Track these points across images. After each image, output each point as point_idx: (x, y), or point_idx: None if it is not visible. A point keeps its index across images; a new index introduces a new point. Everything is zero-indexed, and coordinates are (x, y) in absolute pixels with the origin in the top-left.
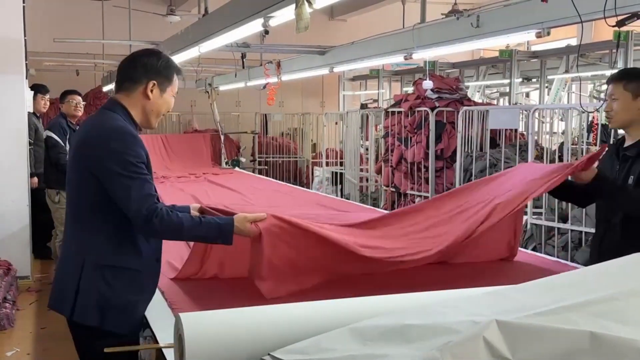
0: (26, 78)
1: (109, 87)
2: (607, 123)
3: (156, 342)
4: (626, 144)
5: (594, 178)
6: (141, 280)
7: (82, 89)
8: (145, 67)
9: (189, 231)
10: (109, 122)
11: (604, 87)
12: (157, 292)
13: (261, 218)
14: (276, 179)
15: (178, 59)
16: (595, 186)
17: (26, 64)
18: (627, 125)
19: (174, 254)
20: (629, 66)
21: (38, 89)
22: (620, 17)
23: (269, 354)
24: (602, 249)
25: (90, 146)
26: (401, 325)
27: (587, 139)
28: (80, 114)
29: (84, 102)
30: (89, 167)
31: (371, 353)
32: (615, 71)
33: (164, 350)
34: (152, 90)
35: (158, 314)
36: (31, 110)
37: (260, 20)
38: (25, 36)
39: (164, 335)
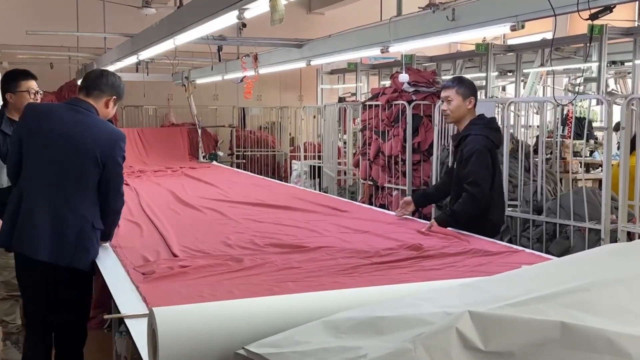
0: None
1: None
2: (582, 117)
3: (130, 337)
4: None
5: (439, 224)
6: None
7: (56, 82)
8: (112, 85)
9: None
10: (106, 124)
11: (579, 80)
12: (132, 287)
13: None
14: (254, 172)
15: (153, 51)
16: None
17: None
18: (459, 120)
19: (150, 249)
20: (603, 59)
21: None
22: (593, 10)
23: (243, 348)
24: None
25: (95, 141)
26: (374, 317)
27: (562, 131)
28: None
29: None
30: (95, 157)
31: (344, 345)
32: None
33: (137, 344)
34: (113, 103)
35: (132, 308)
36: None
37: (235, 13)
38: None
39: (139, 329)
